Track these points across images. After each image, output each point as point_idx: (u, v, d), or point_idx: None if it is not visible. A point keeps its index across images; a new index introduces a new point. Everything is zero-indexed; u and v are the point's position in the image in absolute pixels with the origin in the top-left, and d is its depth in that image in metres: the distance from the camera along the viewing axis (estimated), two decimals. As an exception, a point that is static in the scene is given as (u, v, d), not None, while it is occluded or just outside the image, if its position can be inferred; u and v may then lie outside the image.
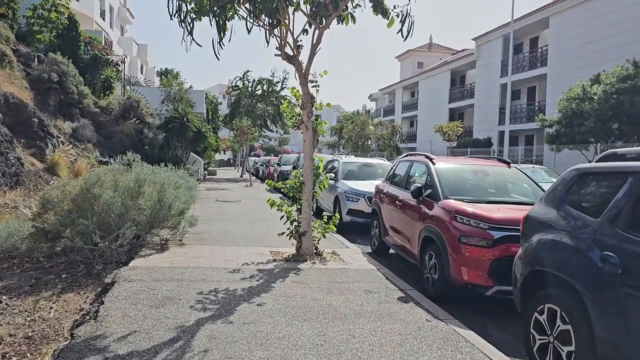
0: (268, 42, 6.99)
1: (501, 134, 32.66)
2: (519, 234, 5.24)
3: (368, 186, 10.92)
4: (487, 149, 30.12)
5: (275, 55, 6.89)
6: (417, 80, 47.04)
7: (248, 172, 33.14)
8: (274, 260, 7.01)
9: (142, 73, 37.60)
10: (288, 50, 6.93)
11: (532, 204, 6.25)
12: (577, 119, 19.70)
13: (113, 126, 20.63)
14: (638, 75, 18.48)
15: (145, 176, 7.31)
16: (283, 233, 7.57)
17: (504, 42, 32.89)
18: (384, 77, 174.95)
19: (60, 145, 14.76)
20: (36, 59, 17.78)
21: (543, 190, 6.52)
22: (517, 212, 5.74)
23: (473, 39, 36.36)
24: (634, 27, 22.29)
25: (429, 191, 6.52)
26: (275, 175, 24.62)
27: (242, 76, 33.20)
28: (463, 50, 44.62)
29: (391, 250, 8.27)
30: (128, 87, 25.98)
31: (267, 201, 7.53)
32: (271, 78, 33.03)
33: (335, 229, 7.70)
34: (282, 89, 33.16)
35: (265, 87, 33.18)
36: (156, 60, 53.68)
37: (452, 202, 5.95)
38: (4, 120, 12.99)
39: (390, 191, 8.04)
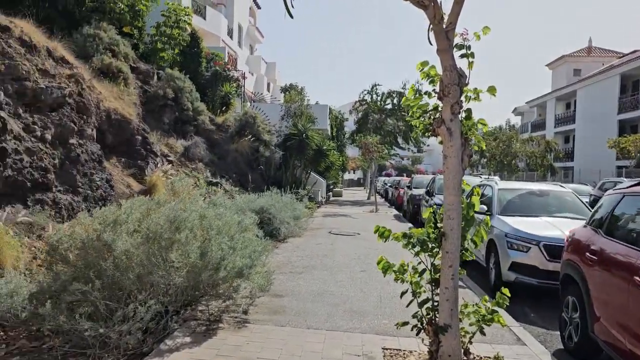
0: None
1: (699, 150, 25.52)
2: None
3: (543, 227, 7.07)
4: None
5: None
6: (575, 89, 40.35)
7: (377, 193, 30.07)
8: (387, 380, 3.76)
9: (268, 90, 36.89)
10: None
11: None
12: None
13: (228, 145, 19.19)
14: None
15: (186, 214, 4.59)
16: (406, 323, 4.20)
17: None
18: (531, 88, 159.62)
19: (161, 165, 13.18)
20: (155, 76, 16.90)
21: None
22: None
23: (654, 34, 29.43)
24: None
25: None
26: (405, 199, 21.05)
27: (370, 89, 30.61)
28: (634, 51, 36.95)
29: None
30: (248, 103, 24.72)
31: (379, 264, 4.31)
32: (402, 90, 29.91)
33: (505, 323, 4.14)
34: (414, 102, 29.70)
35: (395, 101, 30.13)
36: (287, 79, 53.72)
37: None
38: (104, 137, 11.67)
39: (608, 249, 4.31)
